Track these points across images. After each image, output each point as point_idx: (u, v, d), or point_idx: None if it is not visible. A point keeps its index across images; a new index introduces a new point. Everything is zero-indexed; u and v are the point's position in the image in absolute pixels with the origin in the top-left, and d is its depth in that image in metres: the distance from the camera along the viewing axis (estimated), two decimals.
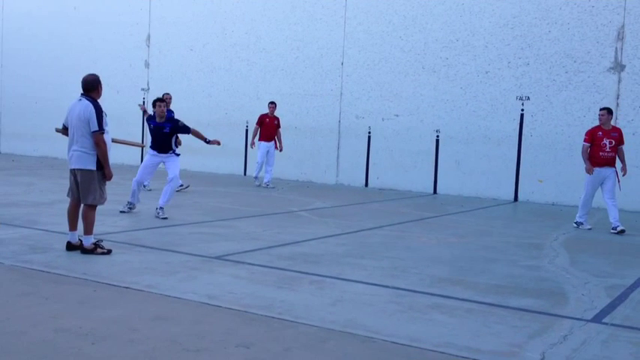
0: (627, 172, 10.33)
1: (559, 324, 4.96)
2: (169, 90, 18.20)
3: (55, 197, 10.81)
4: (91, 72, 7.04)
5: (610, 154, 9.99)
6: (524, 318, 5.09)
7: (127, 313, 4.81)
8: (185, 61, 18.06)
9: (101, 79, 6.88)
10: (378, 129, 15.34)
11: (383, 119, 15.28)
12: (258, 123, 14.52)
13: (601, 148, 9.94)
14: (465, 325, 4.83)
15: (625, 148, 12.65)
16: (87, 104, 6.64)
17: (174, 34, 18.24)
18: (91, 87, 6.74)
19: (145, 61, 18.81)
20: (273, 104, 14.59)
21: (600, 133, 9.98)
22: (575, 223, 10.28)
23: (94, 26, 19.52)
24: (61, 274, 5.86)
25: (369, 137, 15.47)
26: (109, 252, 6.73)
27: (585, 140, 10.05)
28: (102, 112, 6.67)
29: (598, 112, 10.39)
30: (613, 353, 4.34)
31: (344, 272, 6.41)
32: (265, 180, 14.44)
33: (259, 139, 14.50)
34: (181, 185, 12.72)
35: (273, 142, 14.51)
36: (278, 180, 16.14)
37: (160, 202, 9.54)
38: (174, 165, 9.89)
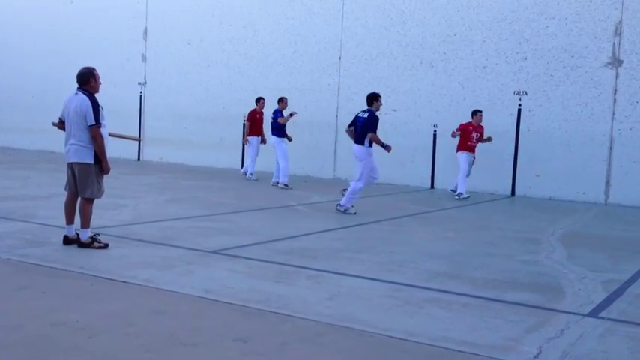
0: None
1: (556, 318, 4.97)
2: (167, 84, 18.23)
3: (52, 191, 10.79)
4: (88, 65, 7.01)
5: (475, 144, 13.07)
6: (521, 312, 5.10)
7: (124, 307, 4.81)
8: (182, 55, 18.02)
9: (98, 72, 6.86)
10: None
11: (380, 114, 15.24)
12: (249, 119, 14.53)
13: (470, 139, 12.90)
14: (462, 320, 4.84)
15: (623, 142, 12.77)
16: (83, 98, 6.62)
17: (171, 28, 18.19)
18: (84, 80, 6.73)
19: (142, 54, 18.76)
20: (263, 100, 14.65)
21: (471, 127, 12.92)
22: (458, 195, 12.65)
23: (90, 20, 19.46)
24: (58, 268, 5.86)
25: None
26: (106, 246, 6.73)
27: (457, 129, 12.98)
28: (98, 106, 6.66)
29: (476, 112, 12.95)
30: (609, 347, 4.36)
31: (341, 266, 6.42)
32: (249, 173, 14.65)
33: (254, 135, 14.53)
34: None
35: (260, 136, 14.66)
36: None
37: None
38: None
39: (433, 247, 7.73)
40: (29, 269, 5.80)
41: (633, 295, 5.82)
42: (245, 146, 15.26)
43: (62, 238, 6.85)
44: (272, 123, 13.84)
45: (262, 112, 14.64)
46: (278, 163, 13.67)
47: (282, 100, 14.12)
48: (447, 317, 4.88)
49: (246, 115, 14.71)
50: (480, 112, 13.02)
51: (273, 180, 13.77)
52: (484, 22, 14.03)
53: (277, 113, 13.81)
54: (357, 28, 15.49)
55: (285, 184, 13.31)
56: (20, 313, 4.54)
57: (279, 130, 13.70)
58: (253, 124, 14.52)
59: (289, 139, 14.01)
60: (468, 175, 12.90)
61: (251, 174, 14.63)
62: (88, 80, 6.73)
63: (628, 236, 9.31)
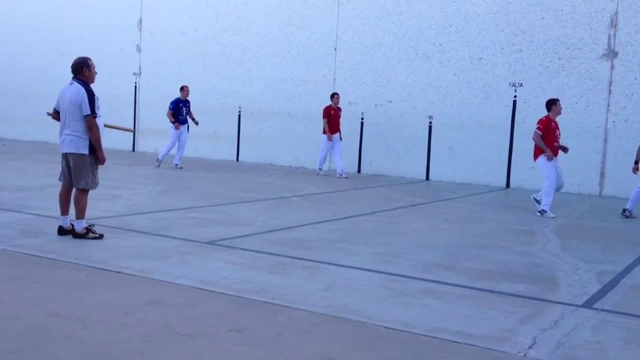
0: None
1: (550, 309, 4.99)
2: (162, 74, 18.16)
3: (46, 181, 10.76)
4: (82, 55, 6.98)
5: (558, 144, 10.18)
6: (516, 303, 5.11)
7: (120, 297, 4.81)
8: (177, 46, 17.94)
9: (93, 62, 6.83)
10: (371, 115, 15.31)
11: (376, 105, 15.25)
12: (325, 116, 14.32)
13: (555, 138, 10.01)
14: (457, 311, 4.85)
15: (618, 134, 12.79)
16: (79, 88, 6.59)
17: (166, 18, 18.11)
18: (78, 69, 6.71)
19: (137, 45, 18.68)
20: (337, 95, 14.50)
21: (553, 123, 10.00)
22: (541, 212, 9.95)
23: (85, 10, 19.34)
24: (52, 259, 5.85)
25: (362, 123, 15.45)
26: (100, 237, 6.72)
27: (540, 129, 9.95)
28: (94, 96, 6.63)
29: (555, 102, 10.17)
30: (603, 338, 4.38)
31: (336, 258, 6.42)
32: (339, 170, 14.33)
33: (333, 132, 14.33)
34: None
35: (338, 132, 14.42)
36: (271, 165, 16.14)
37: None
38: None
39: (428, 238, 7.75)
40: (24, 260, 5.79)
41: (627, 286, 5.85)
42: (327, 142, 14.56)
43: (57, 228, 6.84)
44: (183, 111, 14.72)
45: (338, 108, 14.50)
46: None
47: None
48: (442, 308, 4.90)
49: (322, 112, 14.48)
50: (559, 100, 10.42)
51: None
52: (480, 13, 14.01)
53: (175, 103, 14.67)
54: (353, 19, 15.45)
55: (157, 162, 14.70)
56: (15, 304, 4.53)
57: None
58: (330, 121, 14.32)
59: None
60: (559, 189, 10.21)
61: (320, 169, 14.55)
62: (81, 70, 6.70)
63: (622, 228, 9.34)
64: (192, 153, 17.57)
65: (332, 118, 14.32)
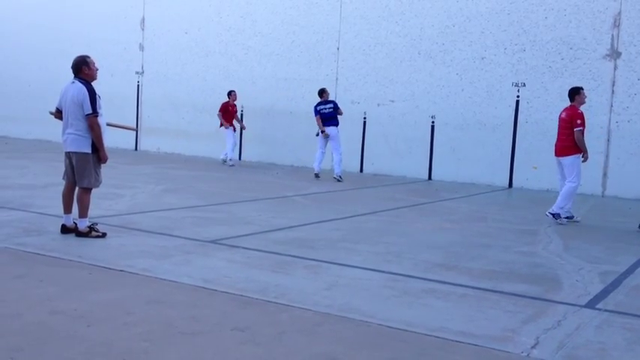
0: None
1: (553, 309, 4.98)
2: (164, 73, 18.17)
3: (49, 180, 10.77)
4: (83, 54, 6.98)
5: None
6: (518, 303, 5.11)
7: (122, 296, 4.82)
8: (180, 45, 17.94)
9: (94, 60, 6.84)
10: (374, 115, 15.31)
11: (378, 105, 15.24)
12: (222, 110, 15.64)
13: None
14: (460, 310, 4.85)
15: (620, 134, 12.79)
16: (80, 87, 6.60)
17: (169, 17, 18.11)
18: (78, 68, 6.72)
19: (140, 44, 18.68)
20: (235, 92, 15.77)
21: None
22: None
23: (88, 9, 19.36)
24: (55, 257, 5.86)
25: (365, 123, 15.44)
26: (103, 235, 6.73)
27: (582, 125, 9.35)
28: (95, 94, 6.64)
29: (583, 95, 9.79)
30: (606, 338, 4.37)
31: (339, 257, 6.43)
32: (228, 157, 15.61)
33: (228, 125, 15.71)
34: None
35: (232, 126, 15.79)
36: (274, 165, 16.15)
37: None
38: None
39: (430, 238, 7.74)
40: (27, 258, 5.80)
41: (630, 286, 5.84)
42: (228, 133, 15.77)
43: (60, 227, 6.85)
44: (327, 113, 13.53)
45: (235, 104, 15.88)
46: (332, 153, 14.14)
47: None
48: (444, 308, 4.89)
49: (220, 107, 15.77)
50: (582, 89, 9.83)
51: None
52: (483, 13, 13.99)
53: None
54: (356, 19, 15.44)
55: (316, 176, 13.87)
56: (18, 302, 4.54)
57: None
58: (227, 115, 15.64)
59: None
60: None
61: (230, 159, 15.58)
62: (81, 69, 6.72)
63: (624, 228, 9.32)
64: (194, 152, 17.59)
65: (230, 113, 15.60)
